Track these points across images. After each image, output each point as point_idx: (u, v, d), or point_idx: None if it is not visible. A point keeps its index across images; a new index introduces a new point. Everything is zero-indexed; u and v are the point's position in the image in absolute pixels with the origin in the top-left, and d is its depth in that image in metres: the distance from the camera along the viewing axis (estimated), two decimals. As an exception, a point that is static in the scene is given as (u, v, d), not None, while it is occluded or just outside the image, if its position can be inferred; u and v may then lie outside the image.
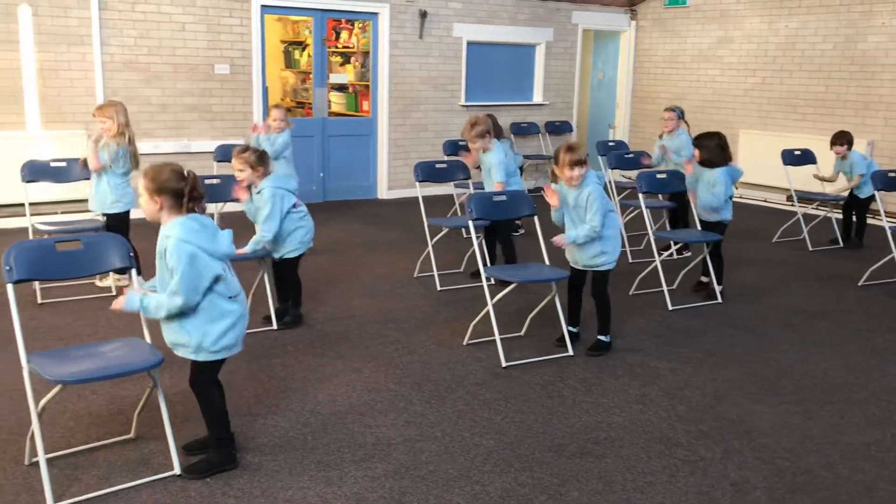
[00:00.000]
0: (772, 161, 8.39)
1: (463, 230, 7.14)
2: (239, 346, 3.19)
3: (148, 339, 3.30)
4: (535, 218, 4.89)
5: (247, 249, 4.69)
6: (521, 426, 3.69)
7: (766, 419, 3.85)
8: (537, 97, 10.81)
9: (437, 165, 6.22)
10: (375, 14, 9.31)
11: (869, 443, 3.63)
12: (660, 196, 7.02)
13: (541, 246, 4.85)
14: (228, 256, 3.10)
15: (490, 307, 4.50)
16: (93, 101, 7.49)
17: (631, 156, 7.37)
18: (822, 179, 7.68)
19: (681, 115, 7.05)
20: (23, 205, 5.56)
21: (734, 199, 5.88)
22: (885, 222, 6.46)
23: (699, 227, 5.90)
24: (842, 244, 7.64)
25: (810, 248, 7.48)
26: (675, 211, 7.01)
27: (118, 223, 5.34)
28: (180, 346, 3.09)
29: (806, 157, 7.95)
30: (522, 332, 4.90)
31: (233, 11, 8.31)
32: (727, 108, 10.34)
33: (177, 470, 3.15)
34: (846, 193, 7.59)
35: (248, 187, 4.77)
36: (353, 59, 10.18)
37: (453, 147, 7.90)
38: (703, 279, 5.96)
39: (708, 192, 5.64)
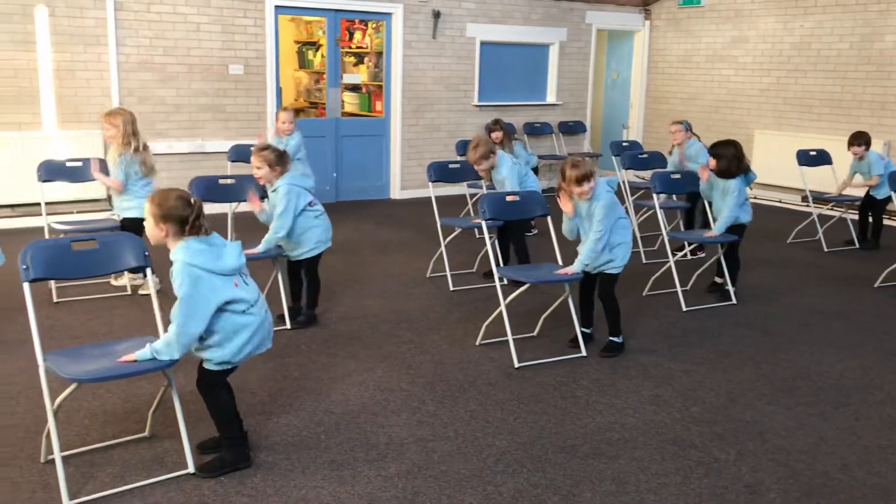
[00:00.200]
0: (787, 161, 8.34)
1: (476, 230, 7.13)
2: (266, 345, 3.19)
3: (162, 338, 3.31)
4: (549, 218, 4.88)
5: (259, 248, 4.69)
6: (533, 427, 3.69)
7: (781, 421, 3.83)
8: (551, 97, 10.79)
9: (450, 165, 6.23)
10: (389, 14, 9.32)
11: (885, 445, 3.60)
12: (674, 196, 7.00)
13: (554, 246, 4.84)
14: (238, 270, 3.06)
15: (503, 307, 4.50)
16: (108, 102, 7.56)
17: (645, 156, 7.35)
18: (844, 187, 7.62)
19: (688, 128, 7.03)
20: (39, 204, 5.61)
21: (749, 200, 5.85)
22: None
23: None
24: (857, 245, 7.60)
25: (825, 249, 7.43)
26: (690, 211, 6.98)
27: (133, 227, 5.36)
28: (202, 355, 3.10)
29: (821, 158, 7.90)
30: (535, 333, 4.89)
31: (247, 12, 8.34)
32: (742, 108, 10.29)
33: (191, 468, 3.16)
34: (861, 193, 7.54)
35: (262, 198, 4.77)
36: (366, 59, 10.20)
37: (466, 147, 7.87)
38: (718, 280, 5.93)
39: (722, 199, 5.63)
